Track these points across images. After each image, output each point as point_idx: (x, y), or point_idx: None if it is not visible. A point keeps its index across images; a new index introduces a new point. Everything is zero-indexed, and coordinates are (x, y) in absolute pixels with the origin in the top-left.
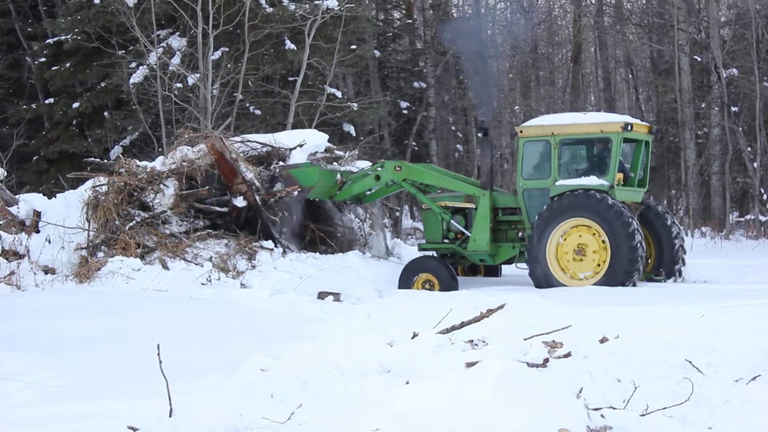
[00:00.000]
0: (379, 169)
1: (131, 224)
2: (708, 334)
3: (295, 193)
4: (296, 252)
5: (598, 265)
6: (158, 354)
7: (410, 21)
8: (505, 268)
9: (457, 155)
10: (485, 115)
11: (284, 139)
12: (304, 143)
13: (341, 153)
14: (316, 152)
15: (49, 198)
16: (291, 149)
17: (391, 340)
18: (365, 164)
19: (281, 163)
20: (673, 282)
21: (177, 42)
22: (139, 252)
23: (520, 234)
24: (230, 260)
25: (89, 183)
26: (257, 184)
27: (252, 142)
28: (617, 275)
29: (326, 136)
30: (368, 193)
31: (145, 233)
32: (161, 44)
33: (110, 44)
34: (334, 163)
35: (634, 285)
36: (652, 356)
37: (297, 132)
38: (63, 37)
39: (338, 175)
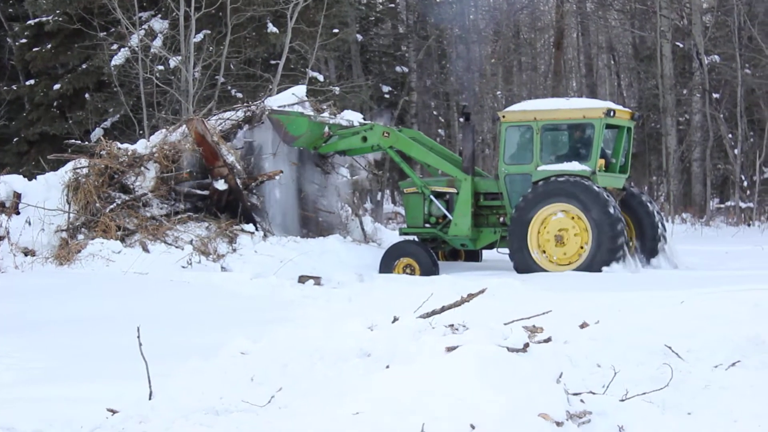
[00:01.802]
0: (368, 131)
1: (112, 207)
2: (688, 320)
3: (278, 177)
4: (278, 236)
5: (580, 251)
6: (138, 336)
7: (392, 5)
8: (486, 253)
9: (438, 140)
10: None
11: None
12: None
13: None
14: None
15: (30, 180)
16: (263, 100)
17: (371, 324)
18: (353, 115)
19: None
20: (655, 268)
21: (159, 24)
22: (120, 234)
23: (501, 219)
24: (211, 243)
25: (70, 165)
26: (238, 167)
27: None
28: (598, 261)
29: (305, 87)
30: (352, 149)
31: (125, 216)
32: (143, 26)
33: (92, 26)
34: (323, 115)
35: (617, 262)
36: (632, 342)
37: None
38: (44, 18)
39: (326, 128)
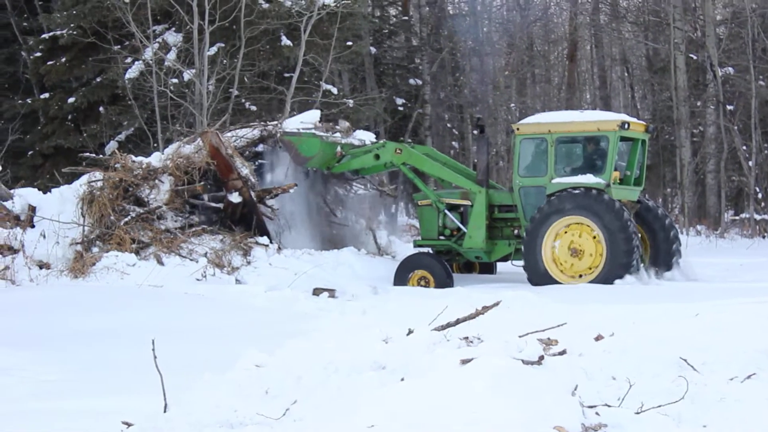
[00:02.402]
0: (380, 148)
1: (126, 219)
2: (703, 333)
3: (292, 190)
4: (292, 248)
5: (594, 263)
6: (153, 349)
7: (406, 18)
8: (501, 266)
9: (452, 152)
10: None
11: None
12: (297, 116)
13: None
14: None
15: (44, 193)
16: (280, 122)
17: (386, 336)
18: (366, 135)
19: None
20: (669, 280)
21: (173, 37)
22: (134, 247)
23: (516, 231)
24: (225, 256)
25: (84, 178)
26: (252, 180)
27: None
28: (613, 273)
29: (319, 112)
30: (365, 167)
31: (140, 228)
32: (157, 40)
33: (106, 39)
34: (335, 135)
35: (632, 273)
36: (647, 354)
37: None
38: (58, 32)
39: (338, 148)
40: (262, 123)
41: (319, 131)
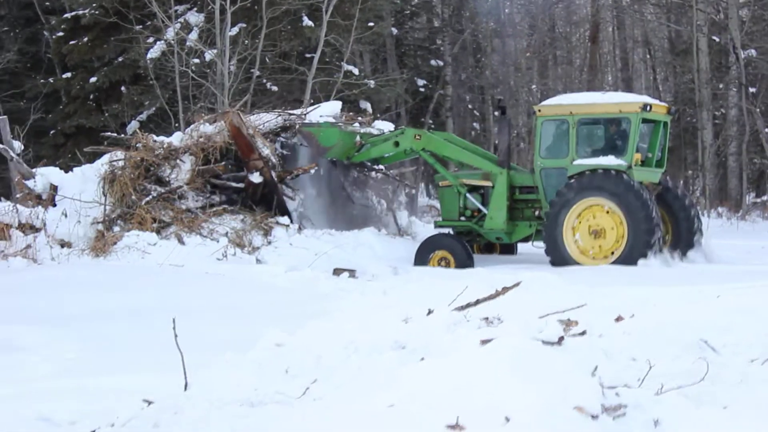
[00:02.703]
0: (399, 135)
1: (147, 199)
2: (724, 315)
3: (312, 171)
4: (312, 228)
5: (615, 245)
6: (174, 328)
7: None
8: (521, 247)
9: (473, 133)
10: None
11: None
12: (318, 106)
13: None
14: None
15: (66, 172)
16: (305, 113)
17: (406, 316)
18: (385, 125)
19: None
20: (690, 262)
21: (194, 17)
22: (155, 227)
23: (537, 213)
24: (246, 236)
25: (106, 157)
26: (273, 160)
27: (266, 113)
28: (634, 255)
29: (340, 104)
30: (385, 156)
31: (161, 208)
32: (179, 19)
33: (128, 19)
34: (354, 125)
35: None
36: (667, 336)
37: (311, 107)
38: (81, 12)
39: (357, 137)
40: (286, 111)
41: (339, 122)
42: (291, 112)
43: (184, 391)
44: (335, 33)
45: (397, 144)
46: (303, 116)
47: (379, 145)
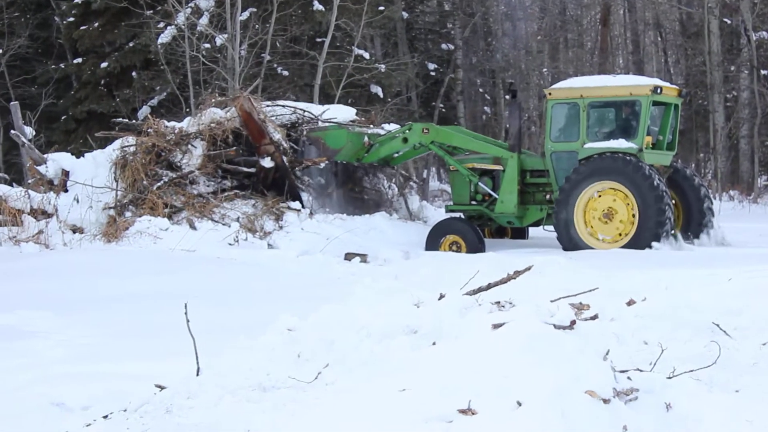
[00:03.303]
0: (407, 131)
1: (159, 184)
2: (735, 298)
3: (322, 164)
4: (324, 213)
5: (626, 228)
6: (185, 313)
7: None
8: (533, 231)
9: (484, 117)
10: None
11: (312, 108)
12: (328, 109)
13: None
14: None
15: (78, 157)
16: (318, 117)
17: (418, 301)
18: (393, 127)
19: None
20: (701, 245)
21: (205, 2)
22: (167, 212)
23: (547, 196)
24: (257, 221)
25: (117, 143)
26: (285, 145)
27: (279, 106)
28: (645, 238)
29: (353, 110)
30: (396, 155)
31: (172, 193)
32: (189, 4)
33: (138, 4)
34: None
35: (666, 236)
36: (679, 319)
37: (324, 106)
38: None
39: (365, 138)
40: (300, 110)
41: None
42: (304, 109)
43: (197, 376)
44: (346, 17)
45: (405, 140)
46: (316, 120)
47: (387, 143)
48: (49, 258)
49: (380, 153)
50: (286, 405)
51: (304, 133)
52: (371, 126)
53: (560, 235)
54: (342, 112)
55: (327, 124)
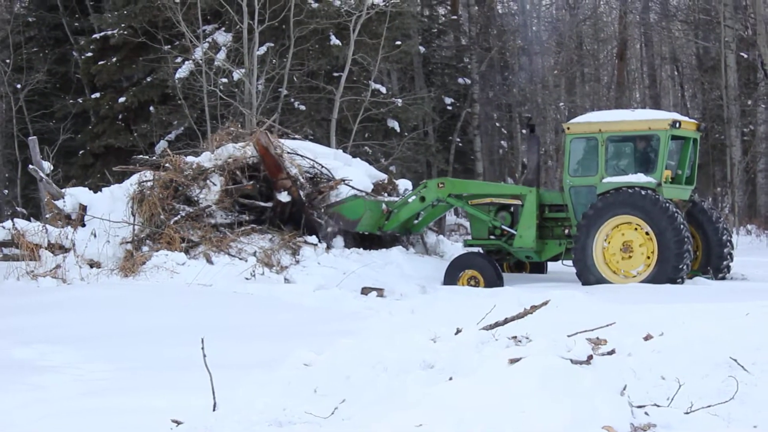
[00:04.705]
0: (422, 189)
1: (176, 219)
2: (753, 332)
3: (340, 186)
4: (340, 248)
5: (646, 263)
6: (202, 348)
7: (455, 17)
8: (551, 265)
9: (501, 151)
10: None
11: (330, 160)
12: (349, 181)
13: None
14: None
15: (95, 192)
16: (334, 177)
17: (434, 335)
18: (404, 182)
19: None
20: (721, 280)
21: (222, 37)
22: (184, 246)
23: (566, 231)
24: (274, 255)
25: (135, 177)
26: (302, 179)
27: (299, 156)
28: (664, 273)
29: (372, 169)
30: (416, 221)
31: (189, 228)
32: (207, 39)
33: (156, 39)
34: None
35: (682, 282)
36: (696, 354)
37: (343, 155)
38: (109, 32)
39: (383, 205)
40: (319, 164)
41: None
42: (322, 164)
43: (213, 411)
44: (363, 52)
45: (423, 199)
46: (341, 181)
47: (406, 206)
48: (67, 292)
49: (400, 218)
50: None
51: (322, 211)
52: (386, 194)
53: (579, 269)
54: (360, 172)
55: (344, 197)
